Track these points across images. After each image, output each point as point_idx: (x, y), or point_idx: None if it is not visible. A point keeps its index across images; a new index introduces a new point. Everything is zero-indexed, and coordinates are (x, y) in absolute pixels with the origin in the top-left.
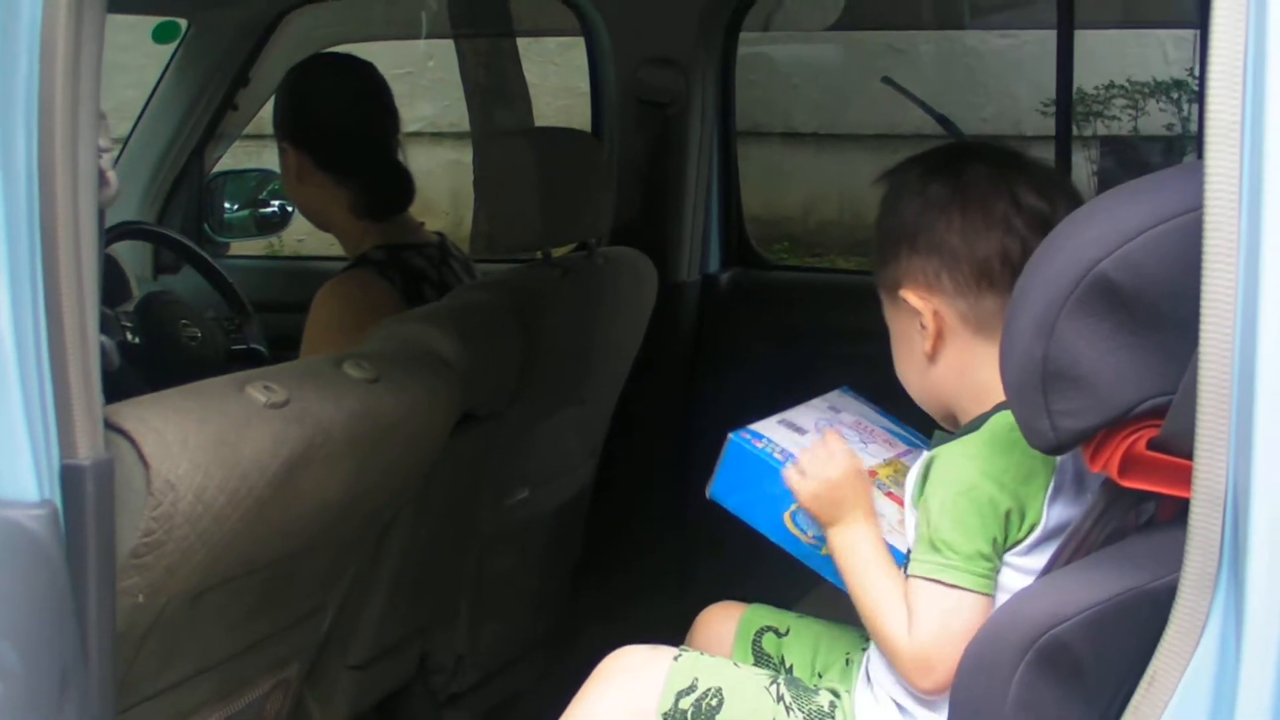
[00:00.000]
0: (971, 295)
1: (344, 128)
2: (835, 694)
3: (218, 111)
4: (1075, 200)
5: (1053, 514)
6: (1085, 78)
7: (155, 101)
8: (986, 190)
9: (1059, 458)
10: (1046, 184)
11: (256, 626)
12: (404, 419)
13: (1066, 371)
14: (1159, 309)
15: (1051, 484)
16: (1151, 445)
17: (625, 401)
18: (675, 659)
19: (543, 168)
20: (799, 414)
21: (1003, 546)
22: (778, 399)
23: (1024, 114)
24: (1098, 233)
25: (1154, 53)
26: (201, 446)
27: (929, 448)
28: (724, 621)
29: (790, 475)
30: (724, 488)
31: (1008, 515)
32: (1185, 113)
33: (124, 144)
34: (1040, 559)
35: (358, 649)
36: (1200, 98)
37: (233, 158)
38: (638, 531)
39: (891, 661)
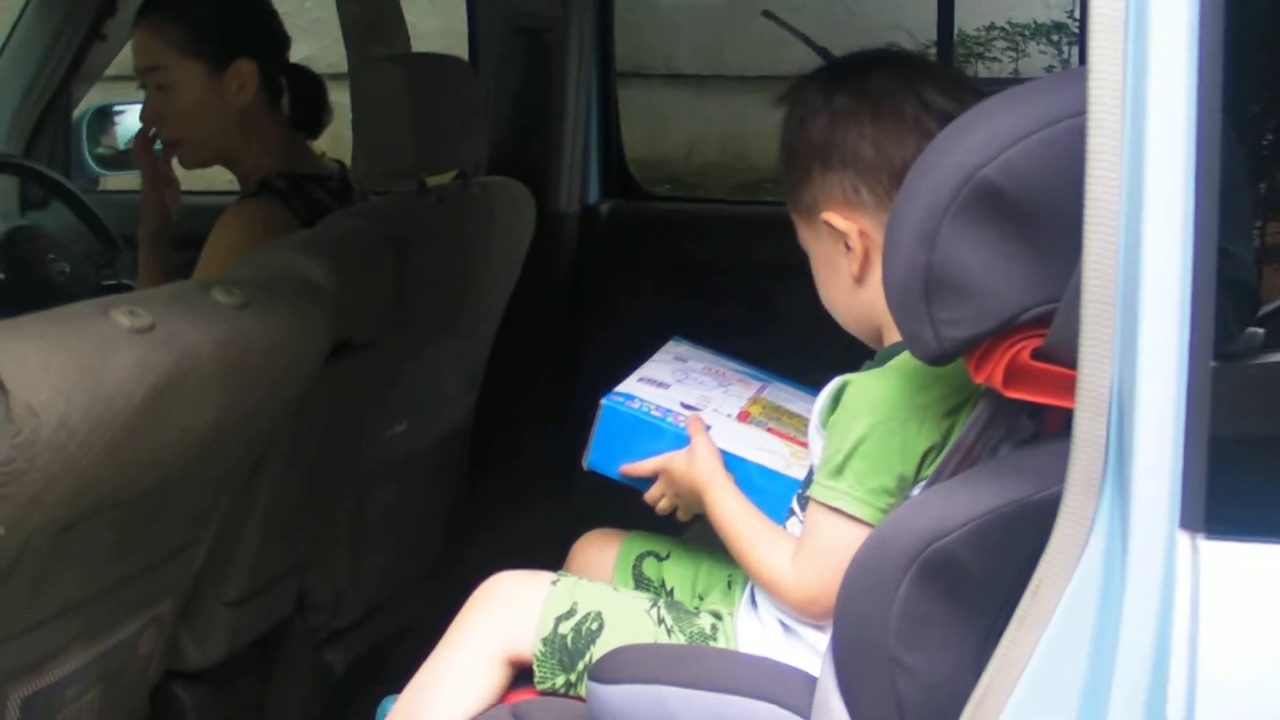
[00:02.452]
0: None
1: (283, 35)
2: (717, 616)
3: (84, 42)
4: (983, 97)
5: None
6: (966, 19)
7: (18, 34)
8: (893, 95)
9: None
10: (952, 83)
11: (127, 561)
12: (275, 345)
13: (950, 279)
14: (1043, 216)
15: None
16: (1036, 355)
17: (506, 333)
18: (554, 584)
19: (415, 94)
20: (653, 369)
21: (911, 483)
22: (659, 329)
23: None
24: (980, 139)
25: None
26: (63, 371)
27: (777, 380)
28: (603, 548)
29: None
30: (603, 455)
31: (925, 454)
32: (1065, 55)
33: None
34: None
35: (233, 585)
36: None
37: (100, 92)
38: (520, 465)
39: (775, 595)
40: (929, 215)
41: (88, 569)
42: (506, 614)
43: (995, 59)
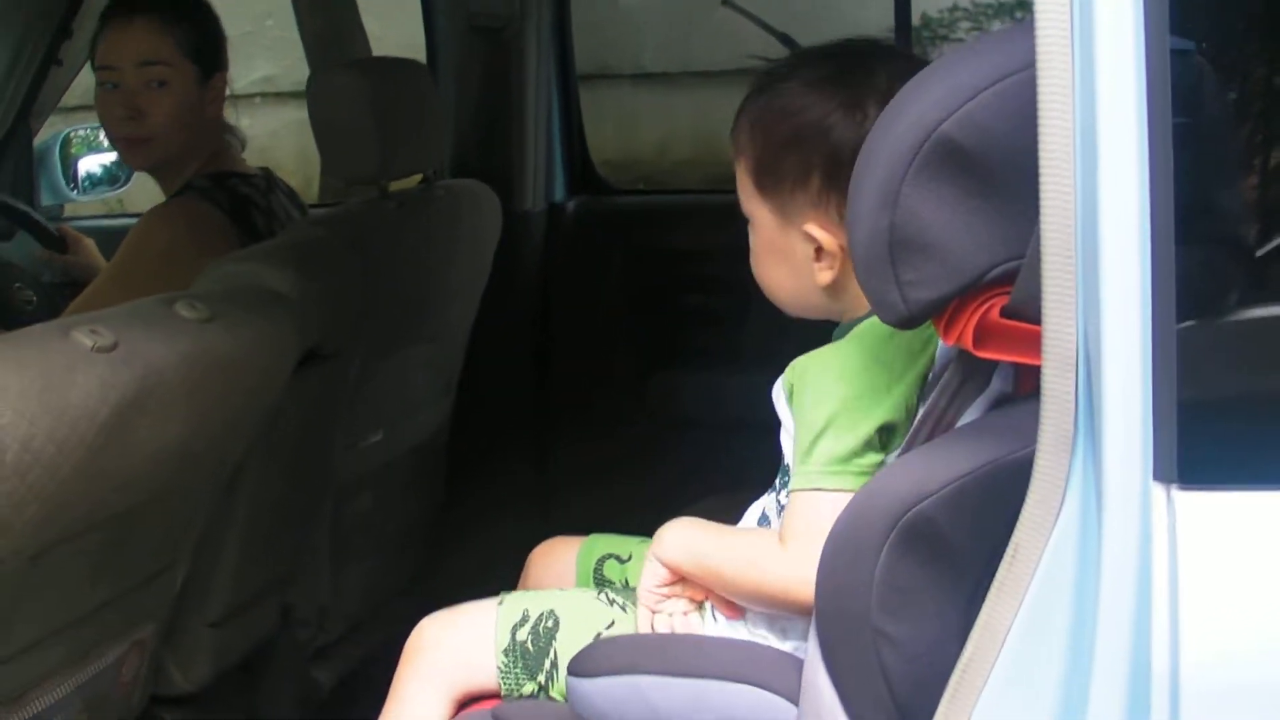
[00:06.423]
0: None
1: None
2: None
3: (41, 68)
4: None
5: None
6: (929, 2)
7: None
8: (873, 93)
9: (935, 354)
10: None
11: (104, 586)
12: (242, 358)
13: (914, 239)
14: (1005, 170)
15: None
16: (1004, 313)
17: (479, 335)
18: (500, 603)
19: (375, 98)
20: None
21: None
22: (630, 324)
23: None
24: (938, 94)
25: None
26: (24, 394)
27: None
28: (562, 555)
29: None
30: None
31: (883, 428)
32: None
33: None
34: None
35: (215, 605)
36: None
37: (63, 119)
38: (499, 468)
39: (793, 603)
40: (890, 175)
41: (63, 597)
42: (452, 653)
43: (960, 39)
